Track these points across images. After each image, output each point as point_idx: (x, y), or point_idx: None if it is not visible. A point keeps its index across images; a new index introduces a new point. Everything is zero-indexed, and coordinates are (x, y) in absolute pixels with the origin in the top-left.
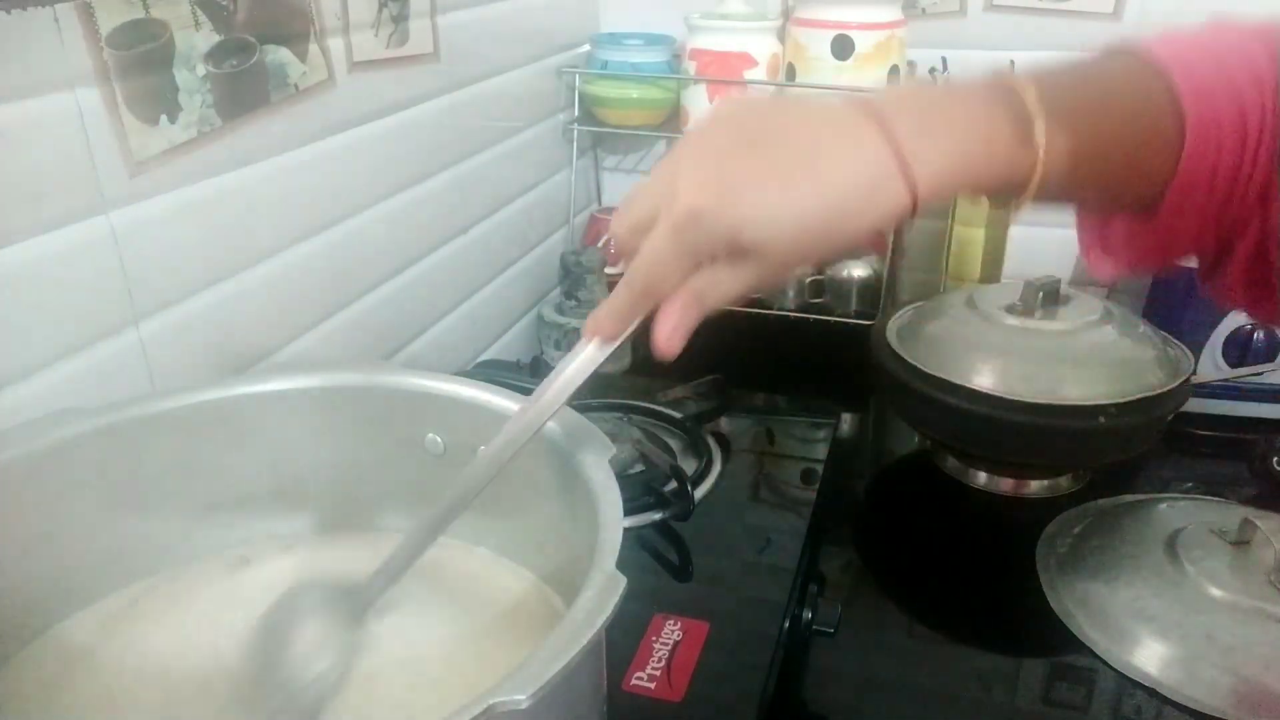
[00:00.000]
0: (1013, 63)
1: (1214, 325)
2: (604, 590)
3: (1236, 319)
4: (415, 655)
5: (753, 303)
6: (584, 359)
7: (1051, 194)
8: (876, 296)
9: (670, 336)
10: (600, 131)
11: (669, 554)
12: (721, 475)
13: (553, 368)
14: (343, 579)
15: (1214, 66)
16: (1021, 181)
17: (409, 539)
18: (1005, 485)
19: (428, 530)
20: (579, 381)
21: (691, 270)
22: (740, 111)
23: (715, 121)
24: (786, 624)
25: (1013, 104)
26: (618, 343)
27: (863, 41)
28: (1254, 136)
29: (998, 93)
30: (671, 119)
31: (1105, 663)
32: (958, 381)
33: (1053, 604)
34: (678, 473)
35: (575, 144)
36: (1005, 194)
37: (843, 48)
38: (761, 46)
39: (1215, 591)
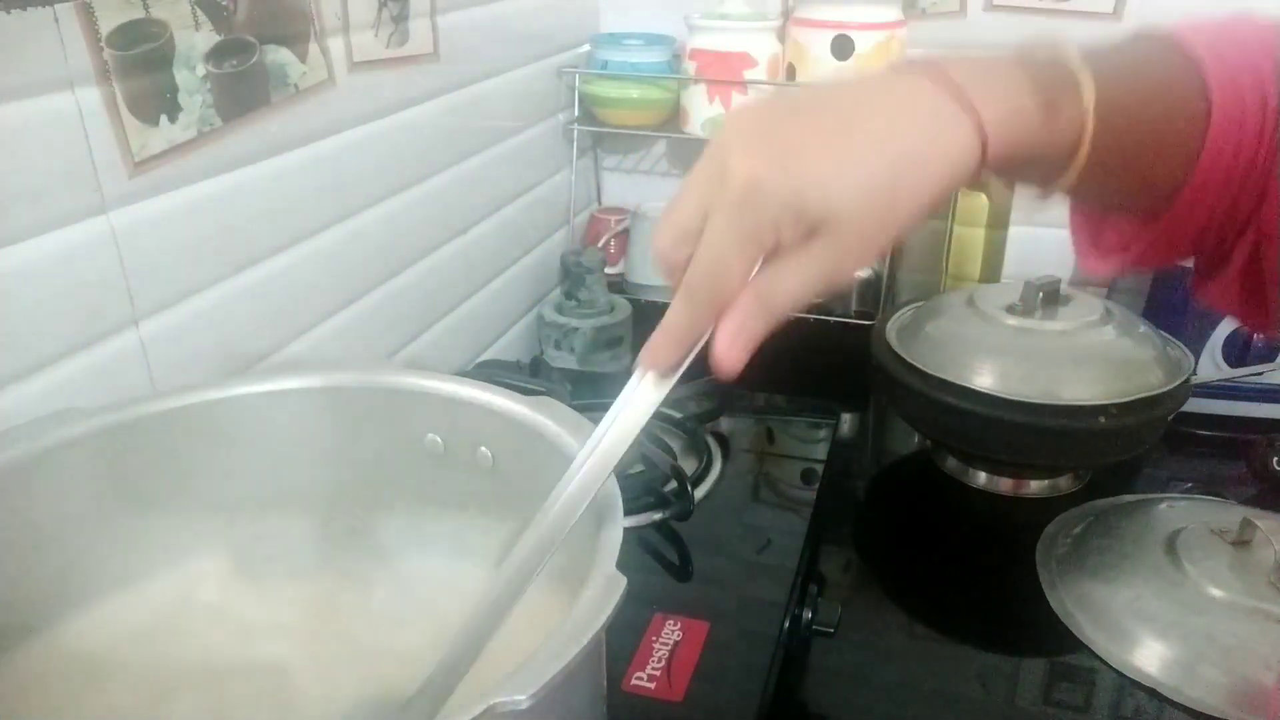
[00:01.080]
0: None
1: (1214, 325)
2: (604, 590)
3: None
4: (418, 647)
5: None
6: (642, 402)
7: (1088, 174)
8: (876, 296)
9: (733, 345)
10: (600, 131)
11: (669, 554)
12: (721, 475)
13: (553, 368)
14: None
15: (1241, 58)
16: (1069, 148)
17: (455, 651)
18: (1005, 485)
19: (476, 636)
20: (636, 432)
21: (757, 262)
22: (776, 94)
23: (752, 105)
24: (786, 624)
25: (1059, 66)
26: (678, 374)
27: (863, 42)
28: (1269, 133)
29: (1044, 51)
30: (671, 119)
31: (1105, 663)
32: (958, 381)
33: (1053, 604)
34: (678, 473)
35: (575, 144)
36: (1053, 162)
37: (843, 48)
38: (761, 46)
39: (1215, 591)
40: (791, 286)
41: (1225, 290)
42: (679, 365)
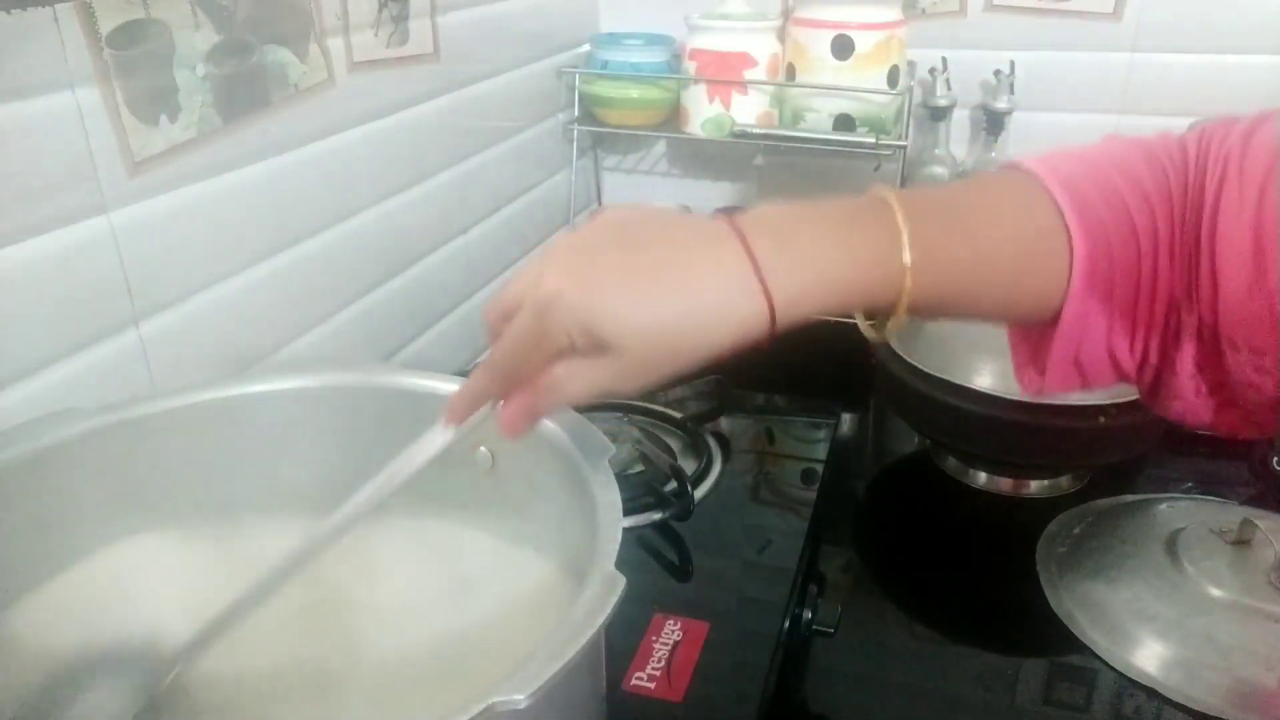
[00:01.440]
0: (1013, 63)
1: None
2: (603, 590)
3: None
4: (414, 654)
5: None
6: (432, 443)
7: (931, 309)
8: None
9: (516, 421)
10: (600, 131)
11: (669, 554)
12: (721, 475)
13: None
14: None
15: (1093, 178)
16: (891, 298)
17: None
18: (1005, 485)
19: (245, 598)
20: (421, 465)
21: (551, 358)
22: (619, 217)
23: (593, 225)
24: (786, 624)
25: (881, 220)
26: (467, 426)
27: (863, 41)
28: (1148, 243)
29: (867, 209)
30: (671, 119)
31: (1105, 663)
32: (958, 381)
33: (1053, 604)
34: (678, 473)
35: (575, 144)
36: (876, 311)
37: (843, 48)
38: (761, 46)
39: (1215, 591)
40: (575, 386)
41: (1181, 397)
42: (464, 419)
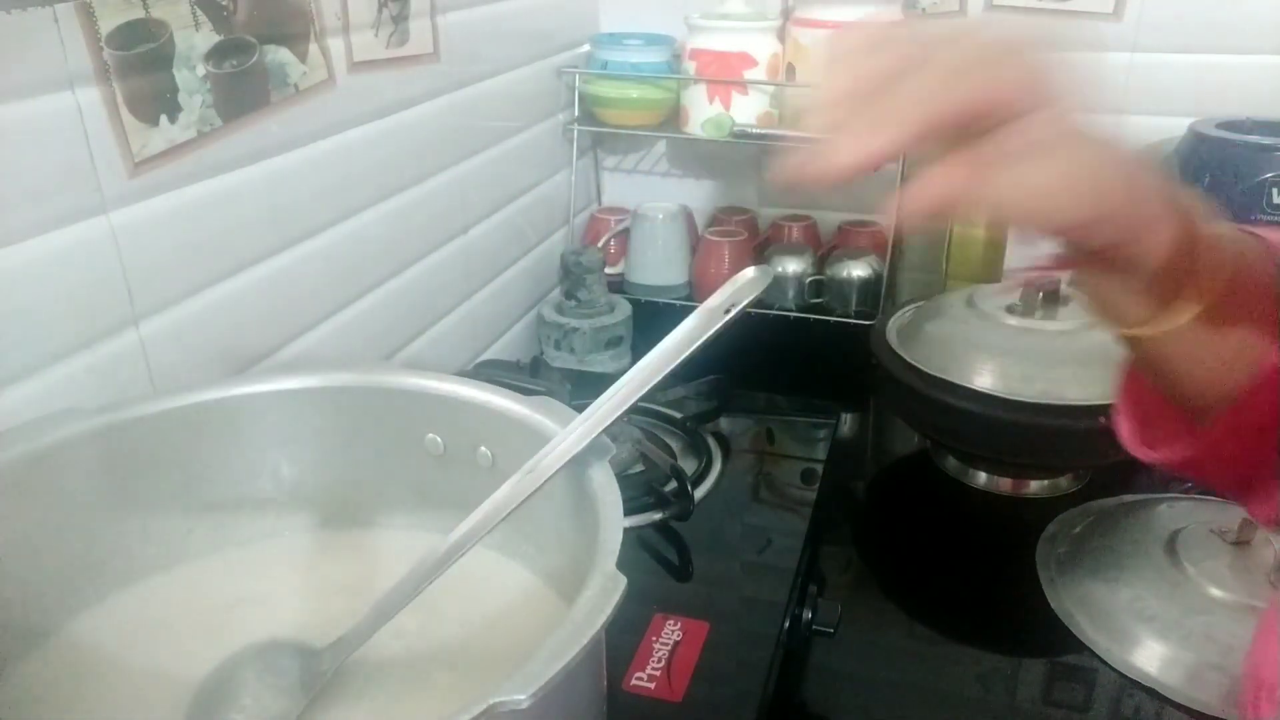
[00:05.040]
0: None
1: None
2: (604, 590)
3: None
4: (414, 654)
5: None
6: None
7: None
8: (876, 296)
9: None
10: (600, 131)
11: (669, 554)
12: (721, 475)
13: (553, 368)
14: (306, 643)
15: None
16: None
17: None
18: (1005, 485)
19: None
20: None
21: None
22: None
23: None
24: (786, 624)
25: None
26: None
27: None
28: None
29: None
30: (671, 119)
31: (1105, 663)
32: (958, 381)
33: (1053, 604)
34: (678, 473)
35: (575, 144)
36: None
37: None
38: (761, 46)
39: (1215, 591)
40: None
41: None
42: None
